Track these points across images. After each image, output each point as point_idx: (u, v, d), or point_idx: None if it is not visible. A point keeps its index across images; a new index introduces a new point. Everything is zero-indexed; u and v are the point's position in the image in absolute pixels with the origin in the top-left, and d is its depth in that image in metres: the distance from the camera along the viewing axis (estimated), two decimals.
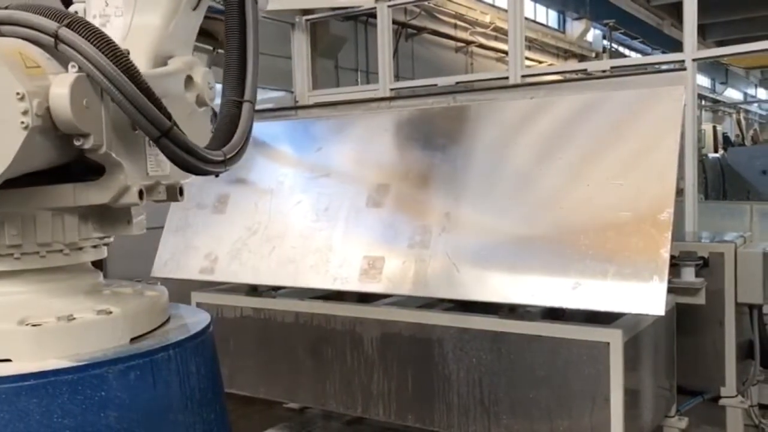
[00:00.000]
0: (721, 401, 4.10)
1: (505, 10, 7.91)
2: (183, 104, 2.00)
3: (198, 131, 1.94)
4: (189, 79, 2.04)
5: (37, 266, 1.84)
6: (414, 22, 12.74)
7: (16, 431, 1.57)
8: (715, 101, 24.31)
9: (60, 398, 1.62)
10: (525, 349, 3.17)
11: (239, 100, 1.99)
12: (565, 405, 3.09)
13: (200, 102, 2.07)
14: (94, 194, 1.79)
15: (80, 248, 1.92)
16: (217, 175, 1.96)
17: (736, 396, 4.06)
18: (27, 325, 1.71)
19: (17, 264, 1.81)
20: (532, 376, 3.15)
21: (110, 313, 1.81)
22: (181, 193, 2.03)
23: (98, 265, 2.09)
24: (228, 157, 1.91)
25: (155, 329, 1.98)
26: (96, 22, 2.06)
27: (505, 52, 9.48)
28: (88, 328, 1.77)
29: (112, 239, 2.05)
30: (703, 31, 16.89)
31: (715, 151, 14.33)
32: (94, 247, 1.99)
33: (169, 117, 1.70)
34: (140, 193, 1.82)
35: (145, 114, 1.64)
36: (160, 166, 1.91)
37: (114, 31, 2.02)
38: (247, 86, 2.00)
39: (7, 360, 1.67)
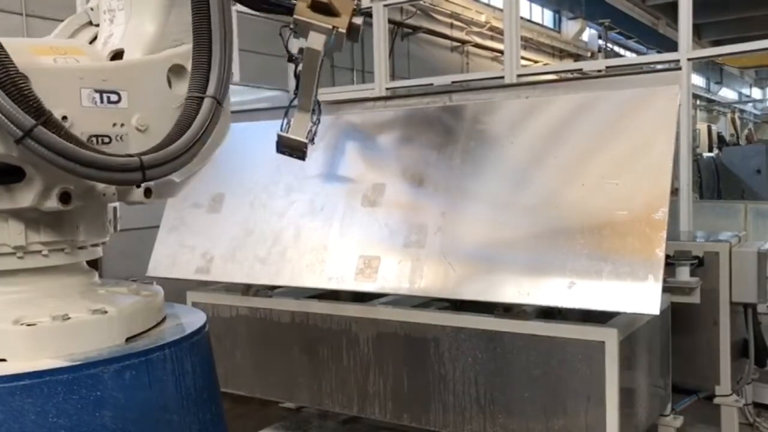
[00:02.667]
0: (716, 400, 4.11)
1: (501, 10, 7.92)
2: (164, 96, 1.89)
3: None
4: (180, 69, 1.91)
5: (32, 266, 1.84)
6: (410, 21, 12.75)
7: (11, 431, 1.57)
8: (710, 101, 24.37)
9: (55, 398, 1.62)
10: (520, 348, 3.17)
11: (200, 95, 1.81)
12: (560, 404, 3.09)
13: None
14: (18, 197, 1.71)
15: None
16: (138, 186, 1.77)
17: (731, 395, 4.08)
18: (22, 324, 1.70)
19: (11, 263, 1.81)
20: (528, 375, 3.16)
21: (105, 312, 1.81)
22: (148, 194, 1.87)
23: (94, 264, 2.08)
24: (149, 164, 1.70)
25: (151, 329, 1.97)
26: (106, 18, 2.05)
27: (501, 52, 9.49)
28: (84, 327, 1.76)
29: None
30: (698, 30, 16.93)
31: (710, 150, 14.35)
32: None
33: (39, 114, 1.52)
34: (64, 196, 1.70)
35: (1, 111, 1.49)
36: None
37: (118, 27, 2.01)
38: (211, 80, 1.82)
39: (2, 360, 1.67)
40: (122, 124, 1.78)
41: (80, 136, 1.68)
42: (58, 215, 1.81)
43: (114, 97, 1.78)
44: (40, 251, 1.83)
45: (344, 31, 2.64)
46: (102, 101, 1.75)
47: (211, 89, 1.81)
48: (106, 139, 1.74)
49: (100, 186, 1.80)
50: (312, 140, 3.05)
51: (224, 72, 1.83)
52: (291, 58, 2.90)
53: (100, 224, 1.95)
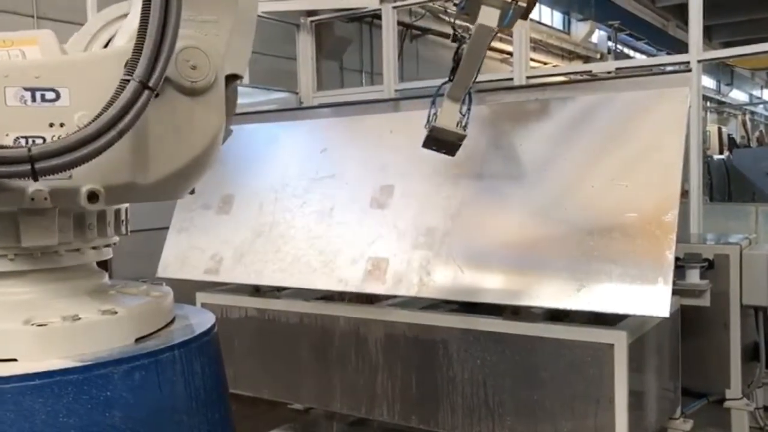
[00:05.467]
0: (726, 403, 4.08)
1: None
2: None
3: (172, 121, 1.76)
4: None
5: (42, 267, 1.84)
6: (419, 23, 12.73)
7: (21, 430, 1.58)
8: (721, 103, 24.24)
9: (65, 398, 1.63)
10: (529, 350, 3.16)
11: (125, 78, 1.63)
12: (569, 406, 3.08)
13: (178, 87, 1.78)
14: None
15: (51, 253, 1.86)
16: (35, 179, 1.57)
17: (741, 398, 4.05)
18: (32, 325, 1.71)
19: (20, 264, 1.82)
20: (537, 377, 3.15)
21: (115, 313, 1.82)
22: (93, 198, 1.69)
23: (104, 265, 2.09)
24: (40, 156, 1.53)
25: (160, 329, 1.98)
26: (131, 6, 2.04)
27: (510, 54, 9.46)
28: (94, 328, 1.77)
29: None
30: (708, 32, 16.82)
31: (720, 152, 14.27)
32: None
33: None
34: None
35: None
36: None
37: (131, 15, 2.01)
38: (140, 61, 1.62)
39: (12, 360, 1.68)
40: (62, 124, 1.66)
41: (5, 138, 1.60)
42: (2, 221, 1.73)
43: (50, 95, 1.66)
44: (5, 255, 1.78)
45: (525, 4, 2.31)
46: (34, 100, 1.65)
47: (138, 72, 1.62)
48: (39, 140, 1.63)
49: (30, 189, 1.66)
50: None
51: (156, 54, 1.64)
52: (455, 38, 2.58)
53: (49, 230, 1.79)
